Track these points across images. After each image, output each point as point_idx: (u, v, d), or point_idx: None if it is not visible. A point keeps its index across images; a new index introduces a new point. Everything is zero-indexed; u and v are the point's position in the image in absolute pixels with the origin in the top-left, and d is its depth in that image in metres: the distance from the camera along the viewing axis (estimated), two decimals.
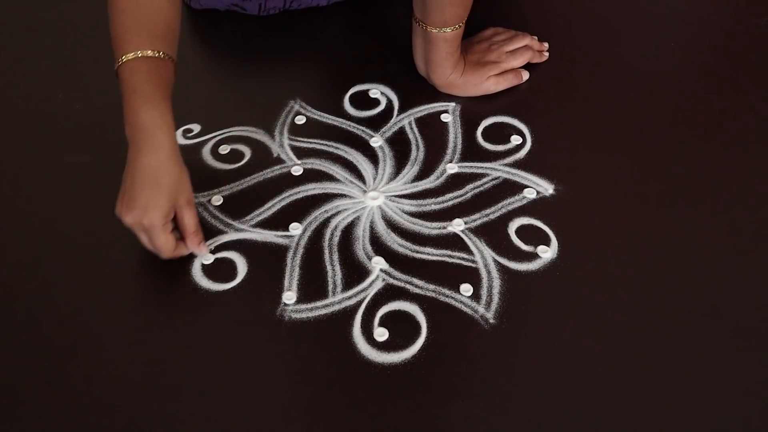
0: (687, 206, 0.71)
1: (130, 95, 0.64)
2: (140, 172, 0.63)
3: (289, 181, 0.75)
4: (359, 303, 0.65)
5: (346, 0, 0.94)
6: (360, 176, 0.76)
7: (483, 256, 0.68)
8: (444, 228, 0.70)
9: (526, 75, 0.83)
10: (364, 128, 0.80)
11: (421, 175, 0.75)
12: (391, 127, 0.80)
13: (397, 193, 0.74)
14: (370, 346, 0.62)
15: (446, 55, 0.78)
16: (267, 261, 0.68)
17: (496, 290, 0.65)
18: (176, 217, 0.66)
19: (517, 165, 0.76)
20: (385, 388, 0.59)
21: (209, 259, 0.68)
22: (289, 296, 0.65)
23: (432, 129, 0.80)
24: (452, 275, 0.66)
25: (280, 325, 0.64)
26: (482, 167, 0.76)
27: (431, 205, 0.73)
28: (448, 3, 0.74)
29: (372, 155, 0.77)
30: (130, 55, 0.64)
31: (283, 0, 0.91)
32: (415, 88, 0.84)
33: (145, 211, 0.63)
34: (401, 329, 0.63)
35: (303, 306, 0.65)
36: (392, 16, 0.93)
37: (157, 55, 0.65)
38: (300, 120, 0.81)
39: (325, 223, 0.71)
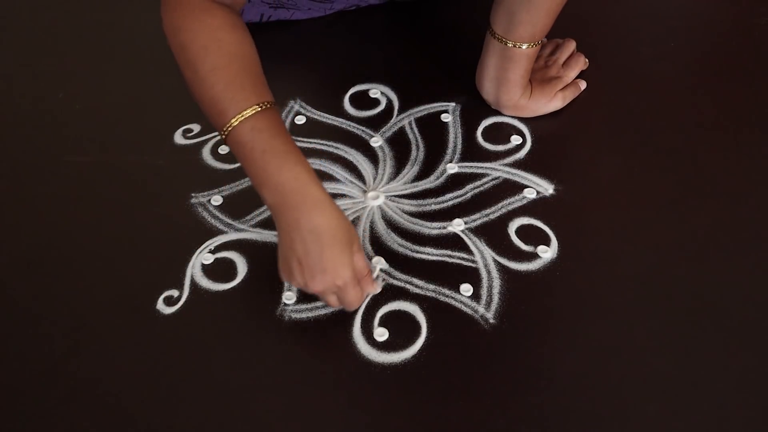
0: (687, 206, 0.71)
1: (260, 156, 0.58)
2: (313, 234, 0.57)
3: None
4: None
5: (327, 15, 0.93)
6: (360, 176, 0.76)
7: (483, 256, 0.68)
8: (444, 228, 0.70)
9: (583, 84, 0.82)
10: (364, 128, 0.80)
11: (421, 175, 0.75)
12: (391, 127, 0.80)
13: (397, 193, 0.74)
14: (370, 346, 0.62)
15: (525, 73, 0.76)
16: (267, 261, 0.68)
17: (496, 290, 0.65)
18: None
19: (517, 165, 0.76)
20: (385, 388, 0.59)
21: (209, 259, 0.68)
22: (289, 296, 0.65)
23: (432, 129, 0.80)
24: (452, 275, 0.66)
25: (280, 325, 0.64)
26: (482, 167, 0.76)
27: (431, 205, 0.73)
28: (543, 14, 0.70)
29: (372, 155, 0.77)
30: (247, 113, 0.57)
31: (259, 15, 0.91)
32: (415, 88, 0.84)
33: (336, 271, 0.58)
34: (401, 329, 0.63)
35: (303, 306, 0.65)
36: (392, 18, 0.93)
37: (268, 105, 0.59)
38: (300, 120, 0.81)
39: None
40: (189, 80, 0.60)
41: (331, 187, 0.75)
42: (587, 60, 0.84)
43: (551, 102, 0.79)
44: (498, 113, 0.81)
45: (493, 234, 0.70)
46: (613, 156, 0.76)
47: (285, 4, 0.90)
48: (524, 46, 0.73)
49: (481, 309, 0.64)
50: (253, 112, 0.58)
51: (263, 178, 0.58)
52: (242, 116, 0.58)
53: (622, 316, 0.63)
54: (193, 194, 0.74)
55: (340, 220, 0.59)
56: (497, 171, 0.75)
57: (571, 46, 0.84)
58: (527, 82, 0.78)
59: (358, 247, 0.60)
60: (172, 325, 0.64)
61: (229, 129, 0.58)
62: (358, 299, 0.61)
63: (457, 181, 0.75)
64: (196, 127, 0.81)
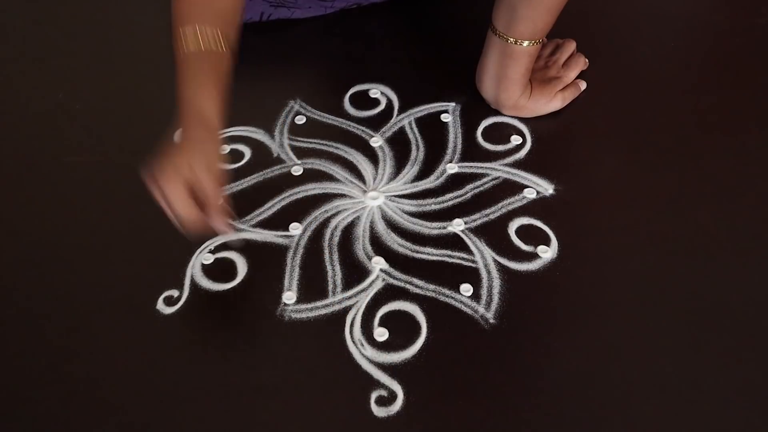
0: (687, 206, 0.71)
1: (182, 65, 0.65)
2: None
3: (289, 181, 0.75)
4: (359, 303, 0.65)
5: (327, 14, 0.93)
6: (360, 176, 0.76)
7: (483, 256, 0.68)
8: (444, 228, 0.70)
9: (583, 85, 0.82)
10: (364, 128, 0.80)
11: (421, 175, 0.75)
12: (391, 127, 0.80)
13: (397, 193, 0.74)
14: (371, 346, 0.62)
15: (525, 72, 0.76)
16: (267, 261, 0.68)
17: (496, 290, 0.65)
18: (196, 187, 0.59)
19: (517, 165, 0.76)
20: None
21: (209, 259, 0.68)
22: (289, 296, 0.65)
23: (432, 129, 0.80)
24: (452, 275, 0.66)
25: (280, 325, 0.64)
26: (482, 167, 0.76)
27: (431, 205, 0.73)
28: (544, 11, 0.70)
29: (372, 155, 0.77)
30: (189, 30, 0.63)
31: (260, 14, 0.91)
32: (415, 88, 0.84)
33: (161, 168, 0.58)
34: (401, 329, 0.63)
35: (303, 306, 0.65)
36: (392, 18, 0.93)
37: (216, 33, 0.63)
38: (300, 120, 0.81)
39: (325, 223, 0.71)
40: None
41: (331, 187, 0.75)
42: (587, 60, 0.84)
43: (551, 102, 0.79)
44: (498, 113, 0.81)
45: (493, 234, 0.70)
46: (613, 156, 0.76)
47: (286, 2, 0.90)
48: (525, 44, 0.73)
49: (481, 309, 0.64)
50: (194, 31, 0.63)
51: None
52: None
53: (623, 316, 0.63)
54: None
55: (197, 131, 0.61)
56: (497, 171, 0.75)
57: (571, 46, 0.84)
58: (527, 81, 0.78)
59: (207, 168, 0.59)
60: (172, 325, 0.64)
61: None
62: (180, 204, 0.58)
63: (457, 181, 0.74)
64: None
